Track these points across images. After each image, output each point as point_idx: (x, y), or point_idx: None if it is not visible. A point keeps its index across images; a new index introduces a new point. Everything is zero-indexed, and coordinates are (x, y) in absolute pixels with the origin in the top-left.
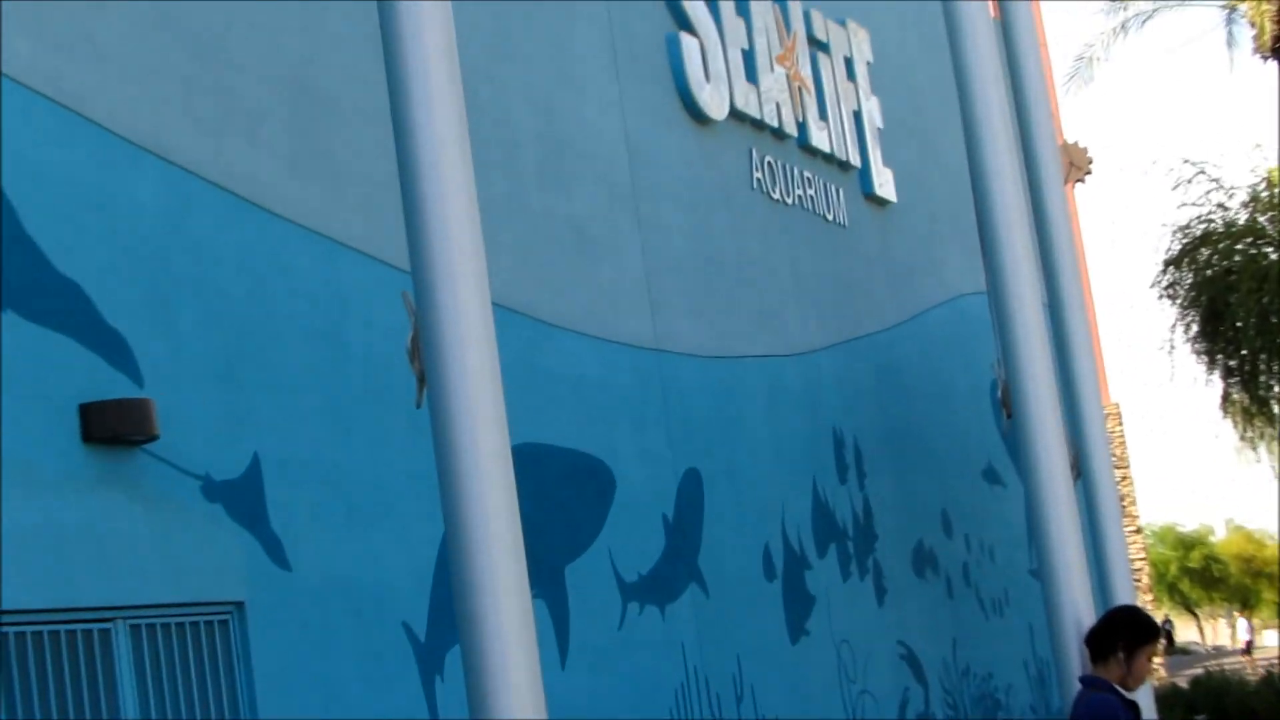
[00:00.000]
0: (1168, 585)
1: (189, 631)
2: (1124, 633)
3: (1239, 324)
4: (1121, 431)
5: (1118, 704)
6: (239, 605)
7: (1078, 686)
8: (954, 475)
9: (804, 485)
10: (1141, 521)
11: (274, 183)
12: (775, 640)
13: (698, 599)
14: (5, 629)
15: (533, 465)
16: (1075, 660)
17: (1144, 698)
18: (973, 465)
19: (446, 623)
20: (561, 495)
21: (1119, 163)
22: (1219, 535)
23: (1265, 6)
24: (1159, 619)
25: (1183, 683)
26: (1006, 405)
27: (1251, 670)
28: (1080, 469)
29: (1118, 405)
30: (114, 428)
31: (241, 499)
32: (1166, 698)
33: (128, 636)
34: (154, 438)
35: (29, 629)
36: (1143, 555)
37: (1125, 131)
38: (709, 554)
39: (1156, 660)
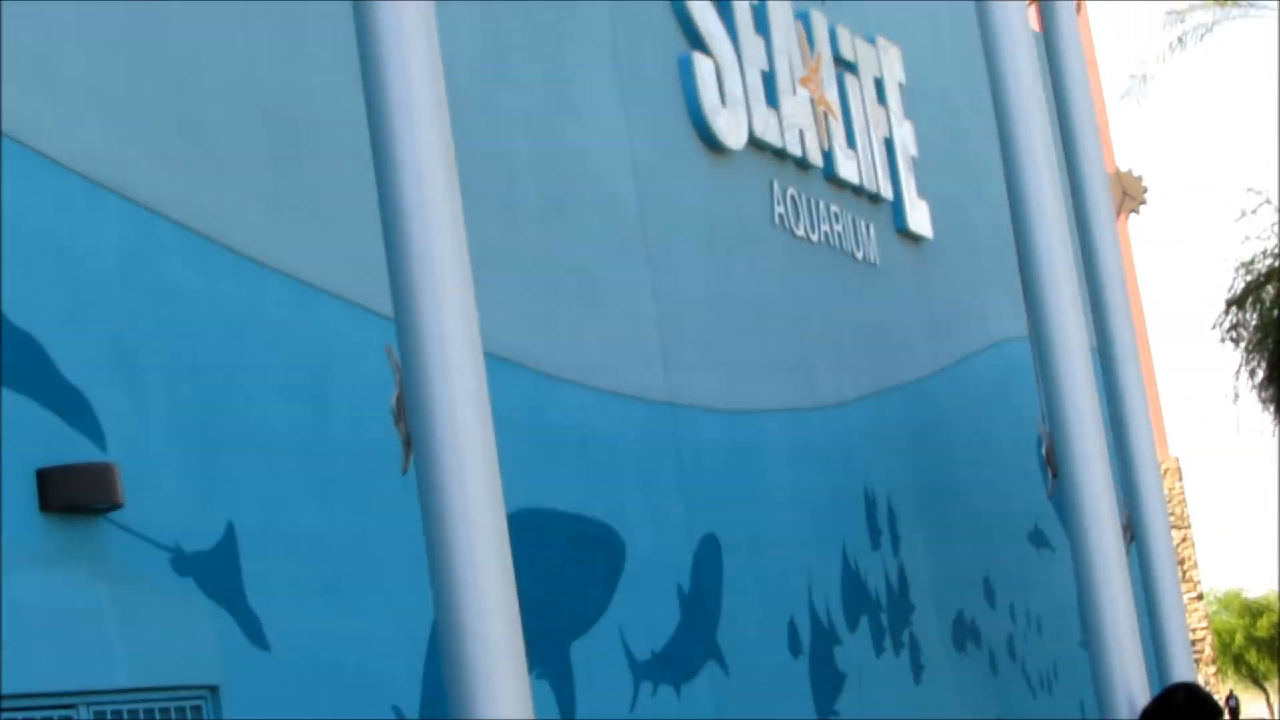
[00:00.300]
0: (1233, 656)
1: (159, 719)
2: (1183, 714)
3: None
4: (1181, 489)
5: None
6: (213, 689)
7: None
8: (997, 539)
9: (832, 551)
10: (1204, 587)
11: (248, 224)
12: None
13: (716, 677)
14: None
15: (534, 532)
16: None
17: None
18: (1018, 527)
19: (443, 707)
20: (566, 565)
21: (1177, 191)
22: None
23: None
24: (1223, 695)
25: None
26: (1052, 463)
27: None
28: (1134, 531)
29: (1177, 460)
30: (74, 495)
31: (215, 572)
32: None
33: None
34: (118, 505)
35: None
36: (1205, 624)
37: (1184, 157)
38: (728, 628)
39: None
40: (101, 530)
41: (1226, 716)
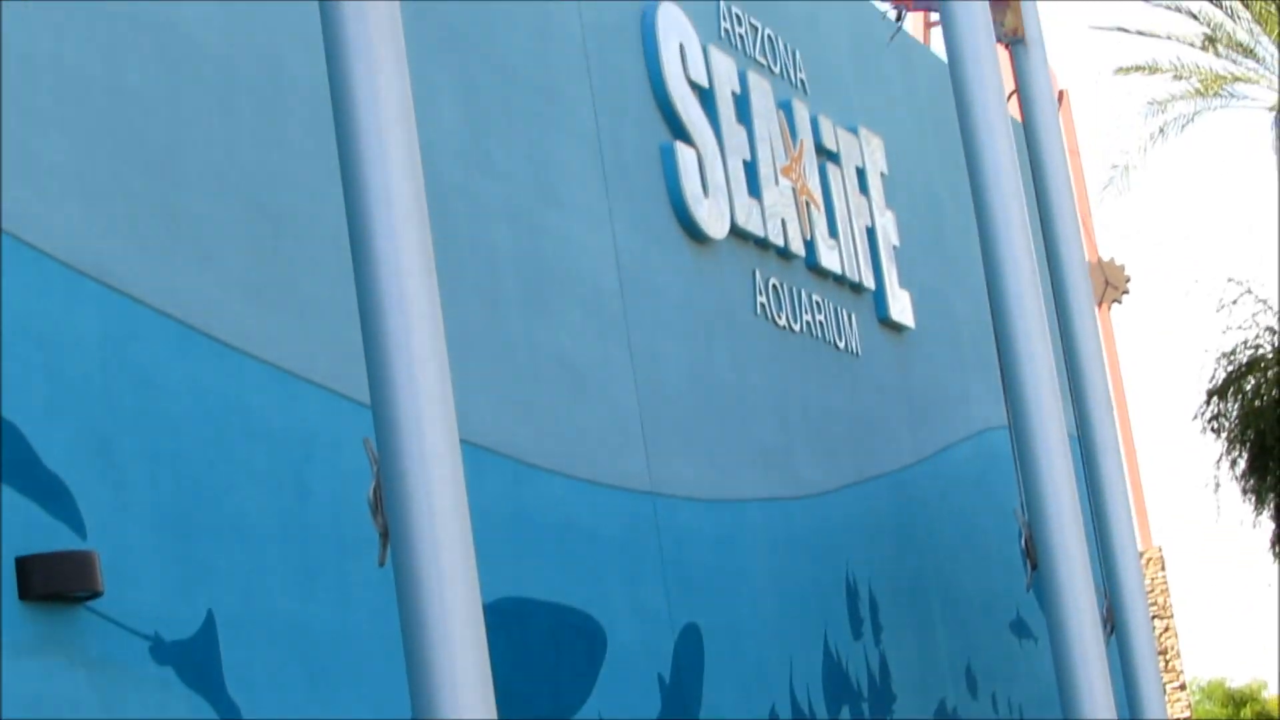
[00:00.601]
0: None
1: None
2: None
3: None
4: (1164, 578)
5: None
6: None
7: None
8: (980, 628)
9: (814, 640)
10: (1186, 677)
11: (229, 311)
12: None
13: None
14: None
15: (514, 622)
16: None
17: None
18: (1000, 617)
19: None
20: (546, 654)
21: (1159, 281)
22: (1273, 691)
23: None
24: None
25: None
26: (1031, 555)
27: None
28: (1114, 622)
29: (1159, 549)
30: (54, 583)
31: (195, 660)
32: None
33: None
34: (98, 594)
35: None
36: (1187, 714)
37: (1166, 246)
38: (710, 717)
39: None
40: (81, 619)
41: None
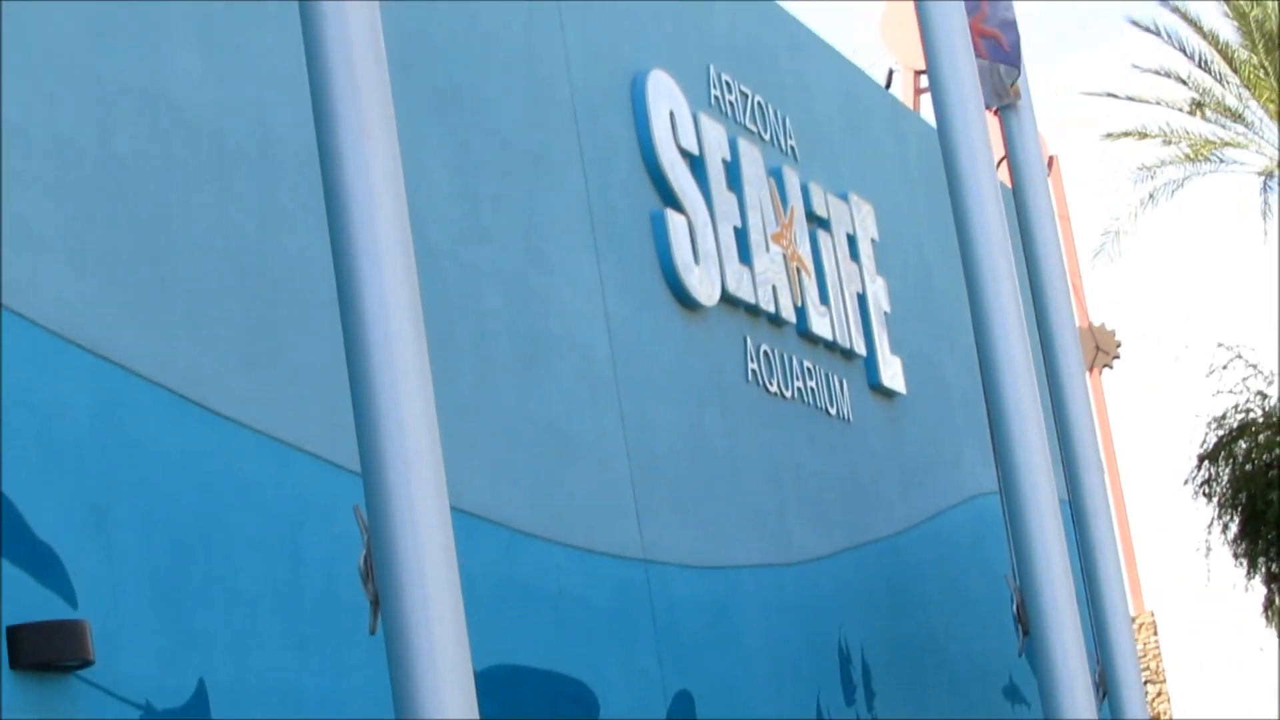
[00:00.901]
0: None
1: None
2: None
3: None
4: (1156, 642)
5: None
6: None
7: None
8: (972, 694)
9: (807, 706)
10: None
11: (221, 380)
12: None
13: None
14: None
15: (507, 689)
16: None
17: None
18: (993, 682)
19: None
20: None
21: (1150, 345)
22: None
23: None
24: None
25: None
26: (1022, 621)
27: None
28: (1106, 687)
29: (1151, 614)
30: (45, 652)
31: None
32: None
33: None
34: (89, 663)
35: None
36: None
37: (1157, 311)
38: None
39: None
40: (72, 688)
41: None
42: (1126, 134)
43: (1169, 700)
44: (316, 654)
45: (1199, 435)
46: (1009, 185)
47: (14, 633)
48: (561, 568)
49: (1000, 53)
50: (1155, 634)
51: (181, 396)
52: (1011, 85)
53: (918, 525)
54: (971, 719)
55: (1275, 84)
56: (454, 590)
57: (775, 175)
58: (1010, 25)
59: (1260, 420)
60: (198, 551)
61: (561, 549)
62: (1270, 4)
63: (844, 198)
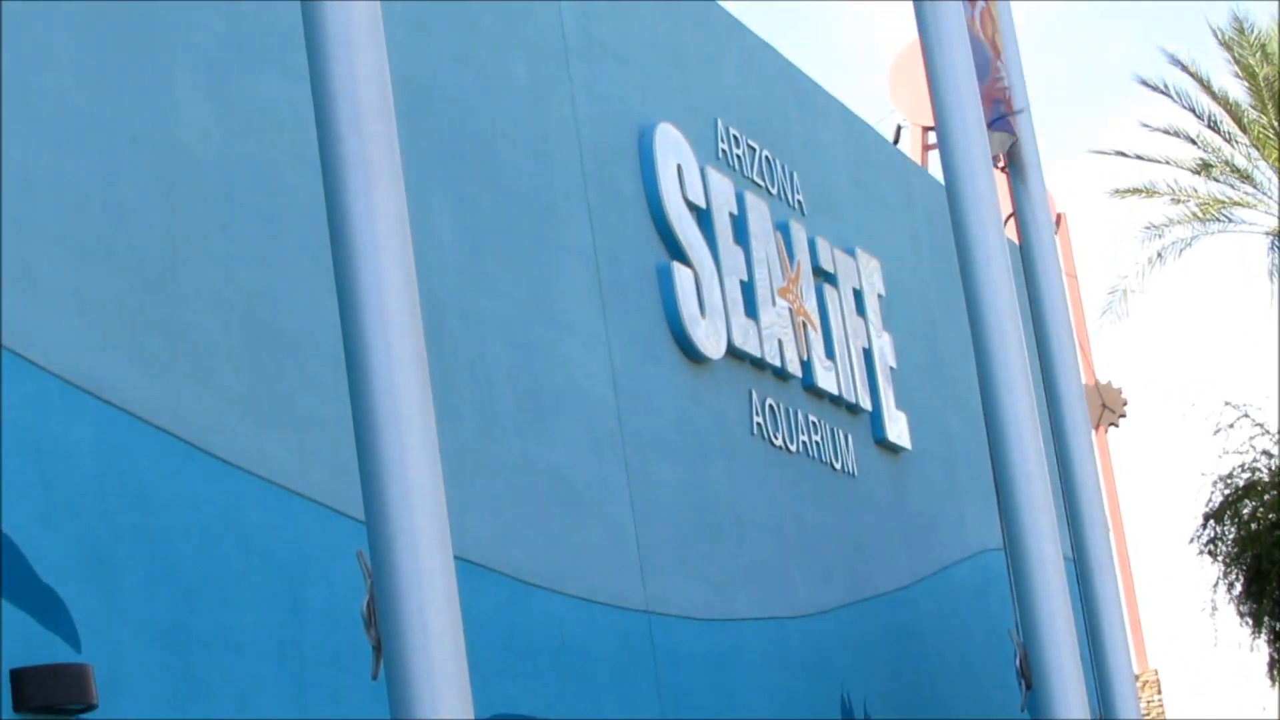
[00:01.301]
0: None
1: None
2: None
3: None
4: (1160, 701)
5: None
6: None
7: None
8: None
9: None
10: None
11: (226, 427)
12: None
13: None
14: None
15: None
16: None
17: None
18: None
19: None
20: None
21: (1157, 403)
22: None
23: None
24: None
25: None
26: (1026, 675)
27: None
28: None
29: (1155, 672)
30: (49, 696)
31: None
32: None
33: None
34: (92, 706)
35: None
36: None
37: (1164, 369)
38: None
39: None
40: None
41: None
42: (1135, 191)
43: None
44: (317, 700)
45: (1205, 494)
46: (1016, 242)
47: (18, 675)
48: (564, 618)
49: (1004, 121)
50: (1159, 692)
51: (186, 442)
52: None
53: (922, 580)
54: None
55: None
56: (457, 637)
57: (782, 229)
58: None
59: (1266, 479)
60: (201, 597)
61: (564, 599)
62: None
63: (851, 253)
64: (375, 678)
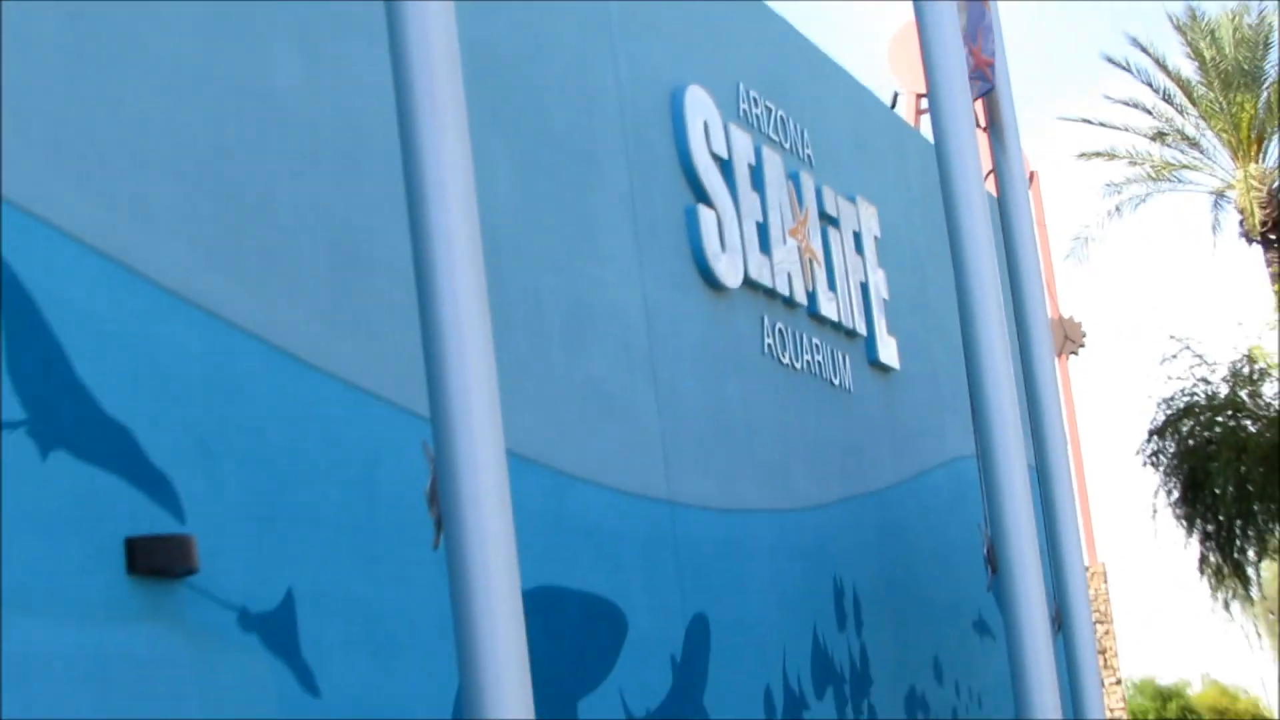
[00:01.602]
0: None
1: None
2: None
3: (1217, 491)
4: (1106, 590)
5: None
6: None
7: None
8: (947, 626)
9: (805, 631)
10: (1123, 674)
11: (312, 336)
12: None
13: None
14: None
15: (549, 606)
16: None
17: None
18: (964, 617)
19: None
20: (575, 634)
21: (1111, 336)
22: (1195, 688)
23: (1254, 194)
24: None
25: None
26: (992, 561)
27: None
28: (1061, 622)
29: (1103, 565)
30: (157, 561)
31: (275, 631)
32: None
33: None
34: (194, 571)
35: None
36: (1123, 705)
37: (1119, 306)
38: (713, 693)
39: None
40: (180, 593)
41: None
42: (1098, 154)
43: (1114, 638)
44: (386, 569)
45: (1150, 414)
46: (994, 195)
47: (132, 544)
48: (598, 506)
49: (984, 83)
50: (1105, 582)
51: (277, 348)
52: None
53: (905, 481)
54: (945, 648)
55: (1228, 116)
56: (506, 517)
57: (793, 179)
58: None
59: (1203, 403)
60: (288, 480)
61: (599, 489)
62: (1226, 49)
63: (852, 200)
64: (436, 547)
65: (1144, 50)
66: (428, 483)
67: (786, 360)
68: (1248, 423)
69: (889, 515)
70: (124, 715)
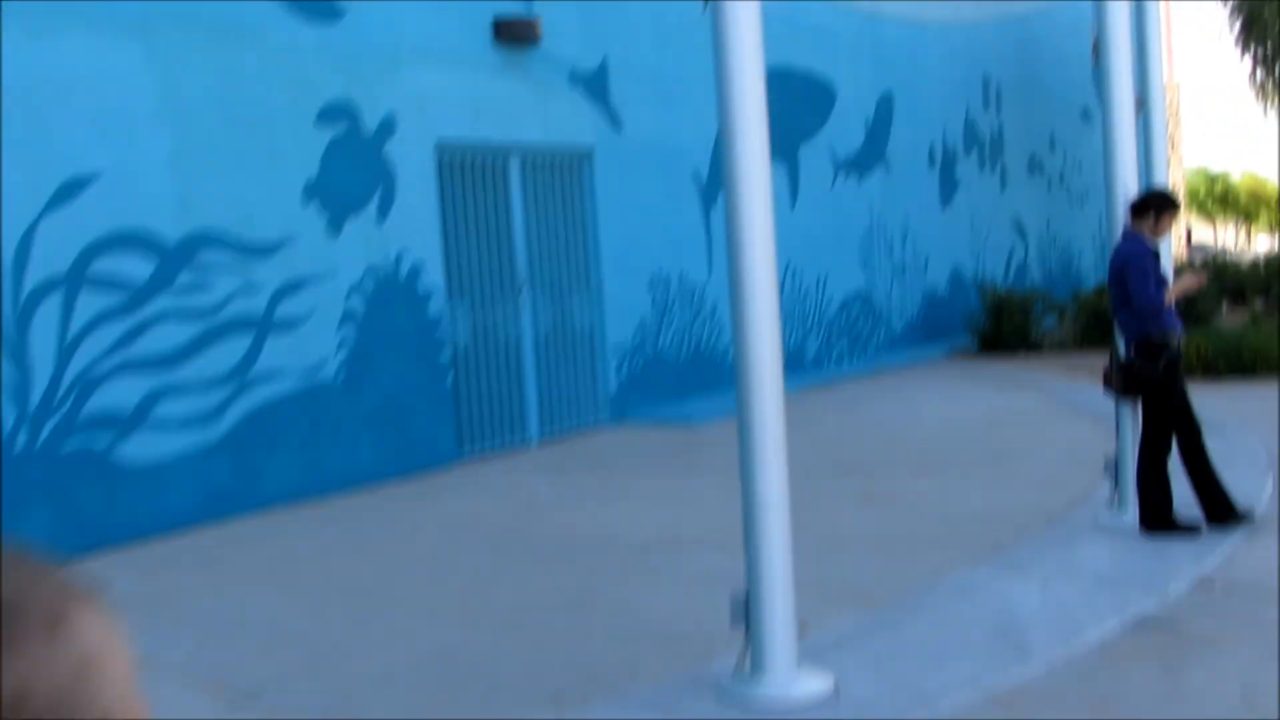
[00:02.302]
0: (1198, 204)
1: (560, 165)
2: (1156, 200)
3: (1269, 23)
4: (1178, 101)
5: (1146, 248)
6: (590, 152)
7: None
8: (1061, 111)
9: (959, 109)
10: (1185, 162)
11: None
12: (930, 206)
13: (882, 175)
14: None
15: (784, 80)
16: (1120, 228)
17: (1164, 252)
18: (1074, 106)
19: (718, 173)
20: (801, 100)
21: None
22: (1235, 177)
23: None
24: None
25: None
26: (1096, 52)
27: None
28: (1143, 105)
29: (1179, 84)
30: (514, 34)
31: (595, 85)
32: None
33: (519, 167)
34: (538, 40)
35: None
36: (1182, 183)
37: None
38: (893, 147)
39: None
40: (529, 55)
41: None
42: None
43: (1181, 130)
44: (680, 47)
45: None
46: None
47: (497, 23)
48: (819, 13)
49: None
50: (1178, 95)
51: None
52: None
53: (1040, 12)
54: (1059, 127)
55: None
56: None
57: None
58: None
59: None
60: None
61: (822, 4)
62: None
63: None
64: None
65: None
66: None
67: None
68: None
69: (1028, 33)
70: (488, 137)
